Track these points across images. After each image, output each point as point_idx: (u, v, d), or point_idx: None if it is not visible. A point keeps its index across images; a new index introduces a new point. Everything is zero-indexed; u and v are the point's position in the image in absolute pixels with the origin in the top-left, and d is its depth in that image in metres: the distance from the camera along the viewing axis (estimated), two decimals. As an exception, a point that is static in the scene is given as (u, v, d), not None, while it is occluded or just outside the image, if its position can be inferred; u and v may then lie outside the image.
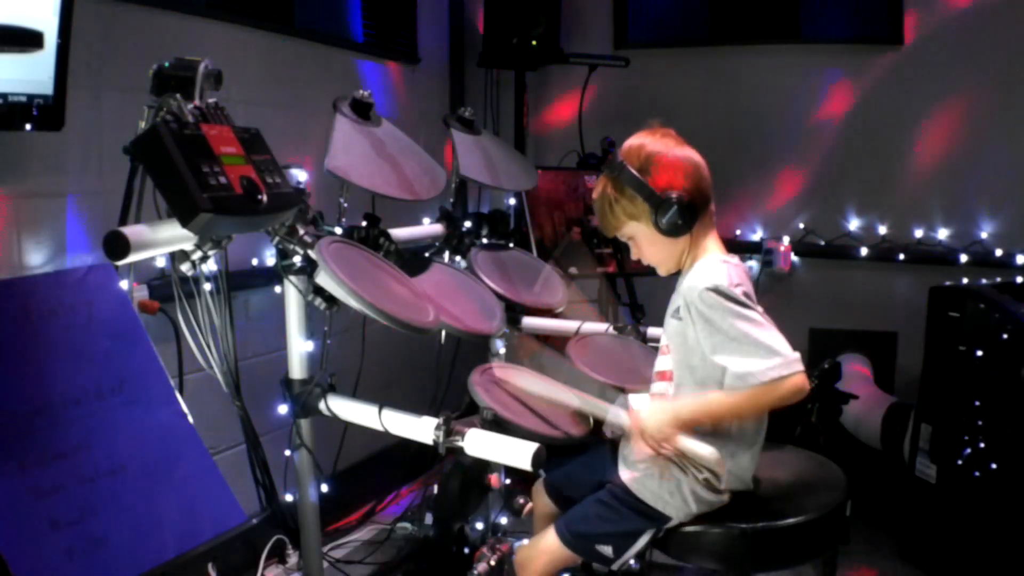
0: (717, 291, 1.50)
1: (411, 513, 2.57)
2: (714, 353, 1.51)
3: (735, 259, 1.63)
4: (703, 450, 1.55)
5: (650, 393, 1.70)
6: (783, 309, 1.68)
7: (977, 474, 2.43)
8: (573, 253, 3.00)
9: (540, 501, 1.93)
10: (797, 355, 1.47)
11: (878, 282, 3.42)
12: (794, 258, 3.53)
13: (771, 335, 1.48)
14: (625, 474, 1.67)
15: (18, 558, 1.25)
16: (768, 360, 1.45)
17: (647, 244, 1.66)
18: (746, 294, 1.53)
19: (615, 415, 1.64)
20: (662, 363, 1.68)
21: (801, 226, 3.52)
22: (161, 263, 2.08)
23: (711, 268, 1.57)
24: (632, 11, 3.73)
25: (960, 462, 2.47)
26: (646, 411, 1.58)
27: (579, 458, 1.88)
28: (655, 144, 1.61)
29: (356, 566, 2.58)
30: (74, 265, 1.93)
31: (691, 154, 1.62)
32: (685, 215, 1.57)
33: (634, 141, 1.64)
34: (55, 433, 1.39)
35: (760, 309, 1.56)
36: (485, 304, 2.07)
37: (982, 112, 3.20)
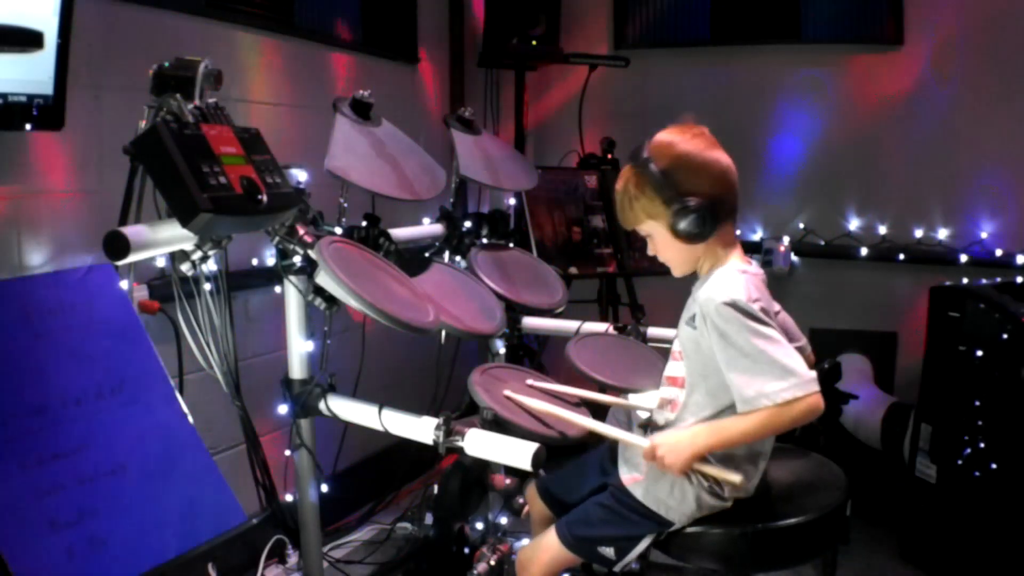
0: (735, 306, 1.47)
1: (411, 513, 2.57)
2: (728, 369, 1.48)
3: (754, 267, 1.60)
4: (729, 475, 1.53)
5: (660, 397, 1.69)
6: (783, 309, 1.67)
7: (977, 474, 2.43)
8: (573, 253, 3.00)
9: (535, 504, 1.91)
10: (813, 375, 1.44)
11: (878, 282, 3.42)
12: (794, 258, 3.53)
13: (787, 353, 1.45)
14: (627, 478, 1.66)
15: (18, 558, 1.25)
16: (782, 381, 1.43)
17: (663, 245, 1.61)
18: (764, 309, 1.49)
19: (633, 441, 1.61)
20: (673, 368, 1.66)
21: (801, 226, 3.52)
22: (161, 263, 2.07)
23: (729, 280, 1.53)
24: (632, 11, 3.73)
25: (960, 462, 2.47)
26: (665, 444, 1.53)
27: (576, 460, 1.87)
28: (686, 144, 1.56)
29: (356, 566, 2.58)
30: (74, 265, 1.93)
31: (721, 158, 1.57)
32: (704, 223, 1.53)
33: (665, 137, 1.58)
34: (55, 433, 1.39)
35: (776, 311, 1.54)
36: (485, 304, 2.07)
37: (982, 112, 3.20)
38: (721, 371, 1.50)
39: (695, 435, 1.52)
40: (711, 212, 1.53)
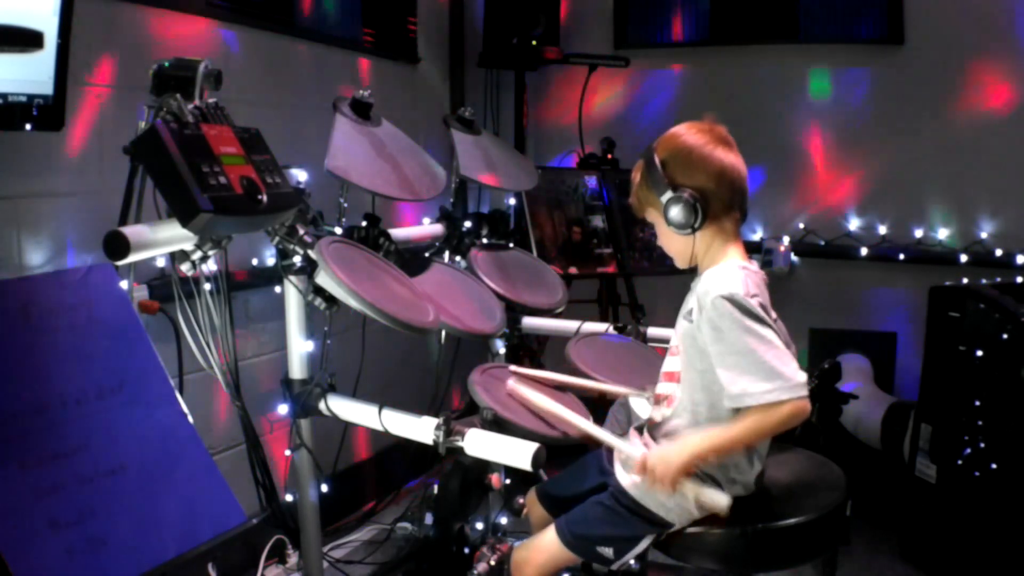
0: (732, 300, 1.47)
1: (411, 513, 2.57)
2: (718, 364, 1.48)
3: (755, 266, 1.61)
4: (715, 498, 1.52)
5: (656, 393, 1.69)
6: (783, 309, 1.67)
7: (977, 474, 2.43)
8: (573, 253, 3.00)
9: (535, 510, 1.91)
10: (801, 379, 1.44)
11: (878, 282, 3.42)
12: (794, 258, 3.53)
13: (777, 355, 1.45)
14: (625, 479, 1.65)
15: (18, 558, 1.25)
16: (768, 382, 1.43)
17: (661, 234, 1.66)
18: (762, 305, 1.50)
19: (628, 450, 1.61)
20: (670, 364, 1.66)
21: (801, 226, 3.52)
22: (161, 263, 2.08)
23: (729, 275, 1.54)
24: (632, 11, 3.73)
25: (960, 462, 2.47)
26: (654, 456, 1.53)
27: (576, 461, 1.87)
28: (689, 137, 1.60)
29: (356, 566, 2.58)
30: (74, 265, 1.93)
31: (723, 155, 1.59)
32: (694, 214, 1.56)
33: (673, 130, 1.64)
34: (55, 433, 1.39)
35: (775, 318, 1.54)
36: (485, 304, 2.08)
37: (982, 112, 3.20)
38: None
39: (684, 445, 1.52)
40: (701, 205, 1.56)
